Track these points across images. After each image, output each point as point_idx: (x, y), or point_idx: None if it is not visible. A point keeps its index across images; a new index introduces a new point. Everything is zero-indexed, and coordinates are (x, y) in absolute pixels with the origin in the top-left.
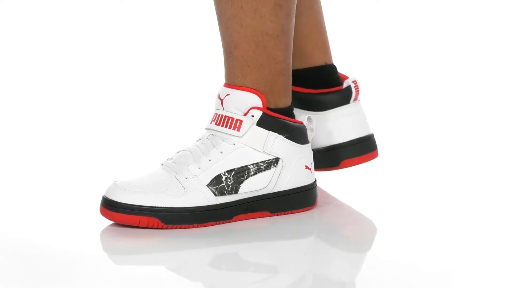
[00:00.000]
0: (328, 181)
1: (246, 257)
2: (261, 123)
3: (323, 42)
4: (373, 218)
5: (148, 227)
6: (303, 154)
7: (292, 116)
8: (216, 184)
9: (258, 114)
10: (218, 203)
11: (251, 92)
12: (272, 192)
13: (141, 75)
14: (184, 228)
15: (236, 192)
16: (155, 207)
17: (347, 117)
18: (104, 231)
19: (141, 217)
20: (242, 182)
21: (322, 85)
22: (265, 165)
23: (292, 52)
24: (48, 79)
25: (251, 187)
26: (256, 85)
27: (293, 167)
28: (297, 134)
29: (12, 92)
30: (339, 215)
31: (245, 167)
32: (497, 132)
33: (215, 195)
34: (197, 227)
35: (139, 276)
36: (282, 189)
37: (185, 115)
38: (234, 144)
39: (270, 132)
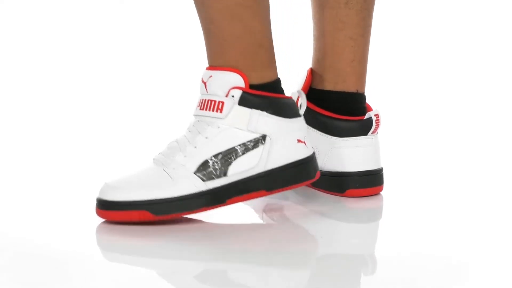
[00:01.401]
0: None
1: (233, 278)
2: (243, 102)
3: (361, 70)
4: (373, 222)
5: (141, 220)
6: (293, 127)
7: (279, 90)
8: (203, 170)
9: (238, 93)
10: (208, 188)
11: (231, 71)
12: (265, 170)
13: (135, 72)
14: (176, 216)
15: (225, 175)
16: (144, 200)
17: (361, 148)
18: (101, 232)
19: (132, 212)
20: (230, 164)
21: (345, 112)
22: (252, 144)
23: (269, 22)
24: (41, 78)
25: (240, 168)
26: (236, 61)
27: (283, 142)
28: (284, 109)
29: (4, 91)
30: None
31: (232, 149)
32: (497, 132)
33: (203, 180)
34: (189, 214)
35: (130, 277)
36: (276, 166)
37: (178, 109)
38: (218, 127)
39: (253, 110)
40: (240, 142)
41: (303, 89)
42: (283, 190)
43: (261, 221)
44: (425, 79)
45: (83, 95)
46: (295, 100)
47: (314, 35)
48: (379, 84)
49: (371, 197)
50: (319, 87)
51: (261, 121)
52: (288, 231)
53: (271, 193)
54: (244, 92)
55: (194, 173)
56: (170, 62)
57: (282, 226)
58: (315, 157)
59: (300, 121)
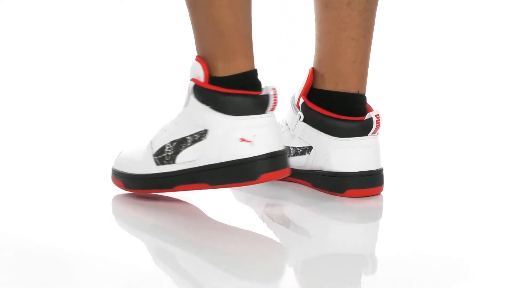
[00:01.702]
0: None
1: (232, 276)
2: (196, 94)
3: (362, 71)
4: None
5: (119, 188)
6: (238, 125)
7: (242, 84)
8: (160, 154)
9: (191, 85)
10: (159, 172)
11: (197, 61)
12: (206, 164)
13: (138, 69)
14: (136, 192)
15: (174, 162)
16: (121, 172)
17: (361, 149)
18: (101, 230)
19: (115, 179)
20: (179, 152)
21: (345, 112)
22: (198, 136)
23: (237, 13)
24: (41, 78)
25: (185, 158)
26: (202, 51)
27: (221, 138)
28: (230, 105)
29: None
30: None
31: (184, 139)
32: (496, 132)
33: (157, 164)
34: (144, 193)
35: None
36: (215, 162)
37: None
38: (180, 116)
39: (201, 104)
40: (191, 133)
41: (305, 88)
42: (225, 187)
43: (260, 221)
44: (425, 80)
45: (84, 93)
46: (272, 95)
47: (316, 35)
48: (380, 85)
49: (371, 197)
50: (321, 87)
51: (206, 115)
52: (288, 230)
53: (214, 188)
54: (195, 85)
55: (153, 155)
56: (170, 57)
57: (282, 225)
58: (259, 159)
59: (250, 120)
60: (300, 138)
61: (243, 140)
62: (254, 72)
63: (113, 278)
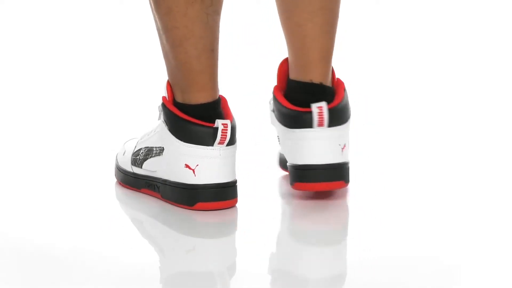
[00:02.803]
0: None
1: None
2: (162, 111)
3: (315, 59)
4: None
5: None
6: (184, 152)
7: (206, 116)
8: (135, 155)
9: (160, 103)
10: (132, 171)
11: (166, 82)
12: (160, 177)
13: (137, 70)
14: (120, 185)
15: (141, 167)
16: (116, 164)
17: (313, 141)
18: (101, 229)
19: (116, 169)
20: (146, 160)
21: (294, 102)
22: (158, 150)
23: (189, 50)
24: (41, 77)
25: (148, 167)
26: (168, 76)
27: (170, 160)
28: (181, 130)
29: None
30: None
31: (152, 148)
32: (496, 134)
33: (131, 164)
34: (124, 187)
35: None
36: (167, 179)
37: None
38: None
39: (162, 122)
40: (156, 146)
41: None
42: (170, 203)
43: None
44: (422, 80)
45: (84, 92)
46: (220, 129)
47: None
48: (380, 84)
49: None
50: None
51: (164, 134)
52: (287, 230)
53: (164, 200)
54: (161, 103)
55: (131, 155)
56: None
57: (280, 225)
58: (198, 188)
59: (196, 148)
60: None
61: (187, 166)
62: (212, 104)
63: (113, 278)
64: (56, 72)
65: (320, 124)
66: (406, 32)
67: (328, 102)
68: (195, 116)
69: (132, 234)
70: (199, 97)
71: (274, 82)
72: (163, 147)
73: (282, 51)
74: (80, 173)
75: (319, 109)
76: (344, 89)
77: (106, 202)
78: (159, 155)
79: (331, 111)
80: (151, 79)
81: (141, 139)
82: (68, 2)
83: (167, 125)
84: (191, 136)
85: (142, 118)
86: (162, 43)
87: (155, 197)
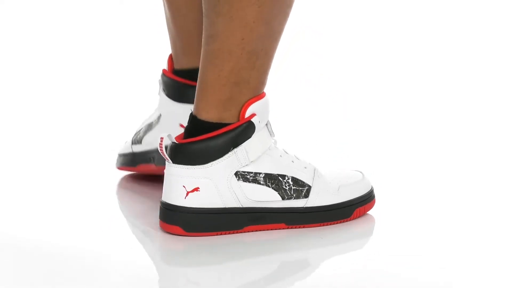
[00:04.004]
0: None
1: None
2: (161, 80)
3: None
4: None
5: None
6: (180, 112)
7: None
8: (136, 135)
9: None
10: (131, 151)
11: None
12: (155, 147)
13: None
14: (119, 170)
15: (140, 142)
16: (118, 153)
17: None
18: (102, 229)
19: None
20: (146, 134)
21: None
22: (156, 120)
23: (187, 16)
24: (41, 77)
25: (147, 140)
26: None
27: (166, 122)
28: (177, 93)
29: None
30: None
31: (151, 122)
32: (495, 135)
33: (131, 144)
34: (122, 169)
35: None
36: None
37: None
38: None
39: (161, 90)
40: (155, 118)
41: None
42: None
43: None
44: (420, 81)
45: (83, 92)
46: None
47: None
48: (379, 85)
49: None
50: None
51: (161, 102)
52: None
53: (160, 169)
54: (161, 74)
55: (132, 136)
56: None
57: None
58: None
59: (192, 108)
60: None
61: (181, 126)
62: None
63: (113, 278)
64: (56, 72)
65: (167, 158)
66: (401, 32)
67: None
68: (194, 79)
69: (132, 234)
70: (197, 62)
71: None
72: (160, 114)
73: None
74: (80, 173)
75: (160, 140)
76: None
77: (106, 202)
78: (157, 124)
79: (176, 147)
80: (151, 79)
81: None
82: (68, 2)
83: (165, 92)
84: (188, 97)
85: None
86: (165, 12)
87: (149, 172)
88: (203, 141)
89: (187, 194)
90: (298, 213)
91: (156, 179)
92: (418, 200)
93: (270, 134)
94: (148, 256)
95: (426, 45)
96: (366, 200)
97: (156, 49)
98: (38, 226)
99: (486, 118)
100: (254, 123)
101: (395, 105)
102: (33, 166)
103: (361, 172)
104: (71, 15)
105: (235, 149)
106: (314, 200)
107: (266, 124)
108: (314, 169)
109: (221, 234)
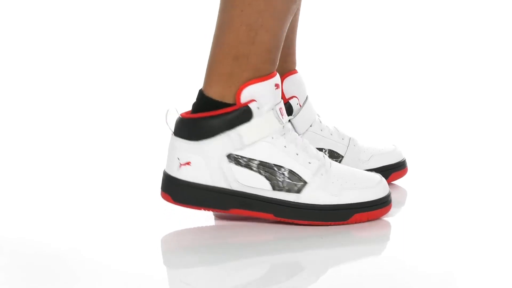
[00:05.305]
0: None
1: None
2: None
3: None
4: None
5: None
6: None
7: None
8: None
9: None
10: None
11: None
12: None
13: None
14: None
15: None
16: None
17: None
18: (101, 229)
19: None
20: None
21: None
22: None
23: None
24: (40, 77)
25: None
26: None
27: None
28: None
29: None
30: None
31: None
32: (495, 135)
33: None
34: None
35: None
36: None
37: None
38: None
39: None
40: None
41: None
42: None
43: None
44: (420, 81)
45: (83, 91)
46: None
47: None
48: (379, 85)
49: None
50: None
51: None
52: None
53: None
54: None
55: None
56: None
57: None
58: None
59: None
60: None
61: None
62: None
63: (112, 278)
64: (56, 73)
65: (171, 129)
66: (400, 32)
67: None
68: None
69: (131, 234)
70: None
71: None
72: None
73: None
74: (79, 173)
75: (166, 112)
76: (233, 112)
77: (106, 202)
78: None
79: (178, 121)
80: (148, 80)
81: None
82: (68, 2)
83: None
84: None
85: (142, 119)
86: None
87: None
88: (200, 119)
89: (180, 166)
90: (288, 206)
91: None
92: (421, 203)
93: (278, 120)
94: (140, 257)
95: (423, 44)
96: (371, 207)
97: (155, 49)
98: (37, 226)
99: (486, 118)
100: (252, 109)
101: (393, 104)
102: (32, 166)
103: (380, 175)
104: (71, 15)
105: (228, 132)
106: (307, 197)
107: (274, 109)
108: (319, 166)
109: (207, 210)
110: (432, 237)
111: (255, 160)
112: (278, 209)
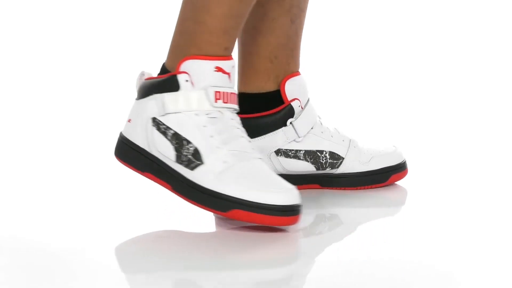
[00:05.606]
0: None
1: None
2: None
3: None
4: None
5: None
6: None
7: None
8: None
9: None
10: None
11: None
12: None
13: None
14: None
15: None
16: None
17: None
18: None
19: None
20: None
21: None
22: None
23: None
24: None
25: None
26: None
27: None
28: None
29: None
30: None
31: None
32: (494, 135)
33: None
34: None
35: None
36: None
37: None
38: None
39: None
40: None
41: None
42: None
43: None
44: (420, 81)
45: (83, 91)
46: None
47: None
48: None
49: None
50: None
51: None
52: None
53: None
54: None
55: None
56: None
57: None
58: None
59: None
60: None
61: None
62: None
63: (112, 278)
64: (55, 73)
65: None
66: (400, 33)
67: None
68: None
69: (131, 234)
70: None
71: None
72: None
73: None
74: (79, 173)
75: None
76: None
77: (106, 202)
78: None
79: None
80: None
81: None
82: (67, 2)
83: None
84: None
85: None
86: None
87: None
88: (145, 82)
89: (126, 123)
90: (182, 182)
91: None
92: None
93: (209, 102)
94: (140, 257)
95: (423, 45)
96: (254, 208)
97: (154, 48)
98: (36, 226)
99: (486, 119)
100: (179, 80)
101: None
102: (32, 166)
103: (294, 187)
104: (70, 15)
105: (156, 95)
106: (196, 176)
107: (207, 90)
108: (227, 157)
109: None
110: (432, 237)
111: (171, 129)
112: (176, 183)
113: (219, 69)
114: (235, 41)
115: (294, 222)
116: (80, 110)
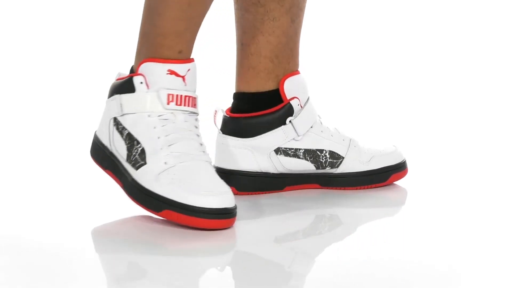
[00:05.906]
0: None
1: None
2: None
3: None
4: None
5: None
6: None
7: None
8: None
9: None
10: None
11: None
12: None
13: None
14: None
15: None
16: None
17: None
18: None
19: None
20: None
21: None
22: None
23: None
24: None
25: None
26: None
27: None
28: None
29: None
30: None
31: None
32: (494, 136)
33: None
34: None
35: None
36: None
37: None
38: None
39: None
40: None
41: None
42: None
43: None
44: (420, 81)
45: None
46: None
47: None
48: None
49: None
50: None
51: None
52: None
53: None
54: None
55: None
56: None
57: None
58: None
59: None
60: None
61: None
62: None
63: (113, 278)
64: (54, 73)
65: None
66: (400, 32)
67: None
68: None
69: (132, 233)
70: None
71: None
72: None
73: None
74: (79, 173)
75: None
76: None
77: (106, 201)
78: None
79: None
80: None
81: None
82: (67, 2)
83: None
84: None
85: None
86: None
87: None
88: (115, 82)
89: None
90: (128, 180)
91: None
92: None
93: (162, 104)
94: (140, 257)
95: (423, 45)
96: (182, 209)
97: None
98: (36, 226)
99: (486, 119)
100: (134, 82)
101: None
102: (32, 166)
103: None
104: (70, 15)
105: (116, 96)
106: (137, 176)
107: (159, 92)
108: (168, 159)
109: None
110: (432, 237)
111: (126, 129)
112: (126, 181)
113: (172, 72)
114: (191, 44)
115: (225, 225)
116: (80, 110)
